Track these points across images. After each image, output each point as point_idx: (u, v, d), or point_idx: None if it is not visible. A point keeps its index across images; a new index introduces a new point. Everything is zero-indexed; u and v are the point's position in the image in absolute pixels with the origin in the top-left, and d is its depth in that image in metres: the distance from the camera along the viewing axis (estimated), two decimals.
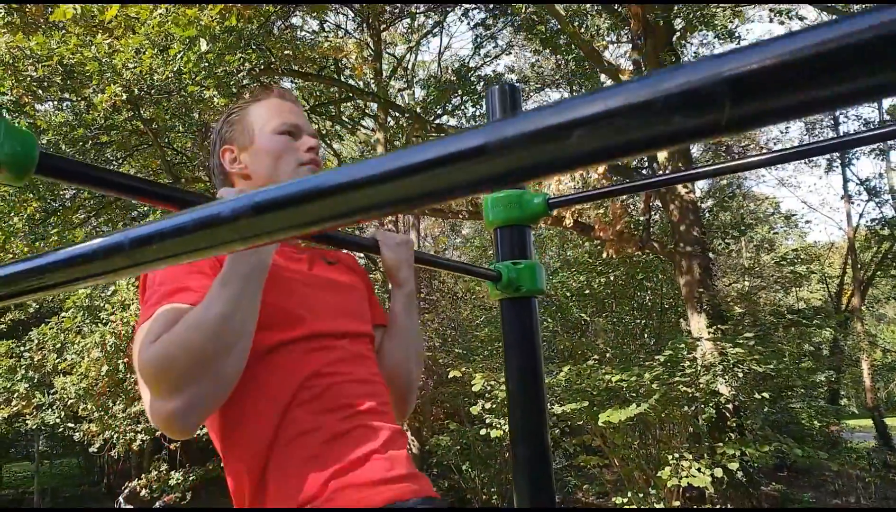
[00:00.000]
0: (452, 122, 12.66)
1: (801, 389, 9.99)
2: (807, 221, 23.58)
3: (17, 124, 0.59)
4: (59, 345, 7.70)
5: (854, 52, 0.19)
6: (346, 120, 12.48)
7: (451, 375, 8.10)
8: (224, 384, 0.92)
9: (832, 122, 18.44)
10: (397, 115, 11.46)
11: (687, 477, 6.41)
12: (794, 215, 19.09)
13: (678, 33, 9.18)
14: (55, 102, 7.78)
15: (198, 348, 0.88)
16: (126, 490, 8.13)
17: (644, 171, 8.63)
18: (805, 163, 18.69)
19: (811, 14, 18.00)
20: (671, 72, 0.22)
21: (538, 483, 1.31)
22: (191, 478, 11.34)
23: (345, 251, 1.46)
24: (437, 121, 11.79)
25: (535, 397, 1.33)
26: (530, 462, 1.30)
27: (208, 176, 1.30)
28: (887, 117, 16.33)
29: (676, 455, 6.76)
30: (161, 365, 0.89)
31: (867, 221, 15.93)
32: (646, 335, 11.39)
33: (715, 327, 7.26)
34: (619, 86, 0.22)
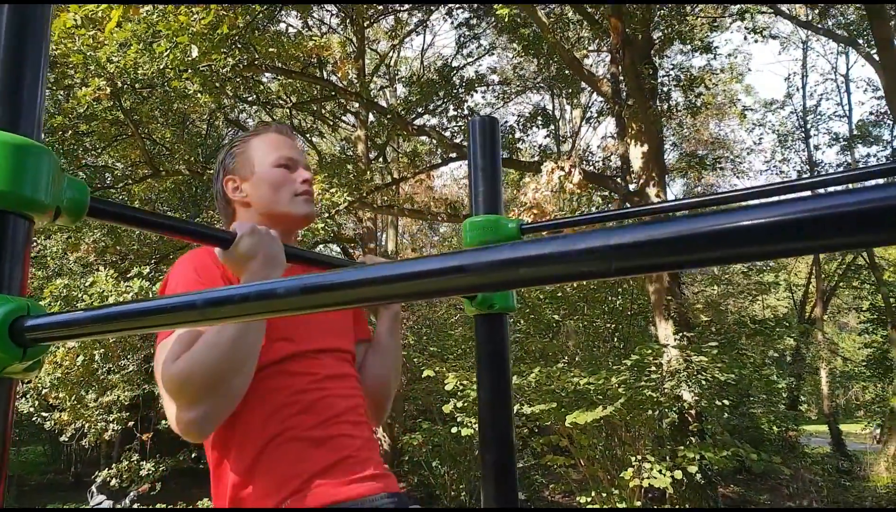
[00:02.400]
0: (433, 121, 12.74)
1: (763, 394, 10.30)
2: None
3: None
4: None
5: (685, 241, 0.33)
6: (328, 116, 12.51)
7: (424, 374, 8.22)
8: (235, 397, 1.06)
9: (804, 134, 18.98)
10: (378, 113, 11.52)
11: (648, 478, 6.62)
12: None
13: (656, 45, 9.41)
14: None
15: (213, 368, 1.02)
16: (98, 479, 8.12)
17: (618, 180, 8.83)
18: (777, 173, 19.16)
19: (787, 28, 18.43)
20: (583, 236, 0.35)
21: (504, 484, 1.44)
22: (161, 468, 11.32)
23: None
24: (419, 121, 11.87)
25: (503, 405, 1.46)
26: (496, 465, 1.44)
27: (214, 199, 1.43)
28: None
29: (639, 457, 6.97)
30: (182, 383, 1.03)
31: None
32: (615, 339, 11.62)
33: (681, 334, 7.48)
34: (555, 239, 0.36)
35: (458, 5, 11.63)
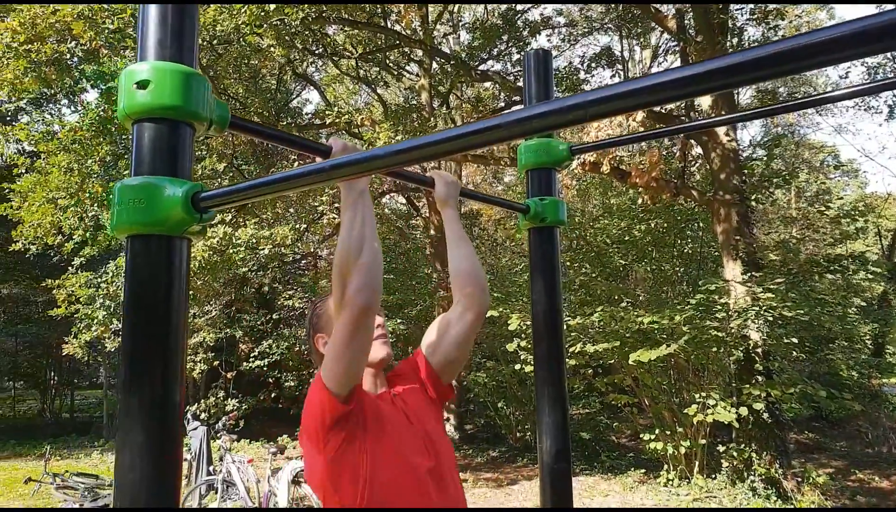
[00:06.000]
0: (497, 67, 12.67)
1: (845, 341, 9.98)
2: (857, 171, 22.51)
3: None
4: None
5: (637, 93, 0.53)
6: (392, 65, 12.65)
7: (488, 315, 8.49)
8: (367, 269, 1.40)
9: None
10: (442, 60, 11.57)
11: (713, 414, 6.71)
12: (843, 164, 18.40)
13: None
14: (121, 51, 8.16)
15: (343, 256, 1.40)
16: (188, 412, 8.97)
17: (683, 119, 8.64)
18: (865, 108, 17.96)
19: None
20: (568, 98, 0.55)
21: (553, 377, 1.66)
22: (244, 407, 12.25)
23: (396, 363, 1.93)
24: (482, 66, 11.85)
25: (554, 312, 1.67)
26: (547, 357, 1.66)
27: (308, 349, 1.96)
28: None
29: (703, 394, 7.05)
30: (336, 278, 1.42)
31: None
32: (684, 283, 11.51)
33: (749, 274, 7.41)
34: (554, 101, 0.56)
35: None
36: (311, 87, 15.22)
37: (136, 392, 0.80)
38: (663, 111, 8.37)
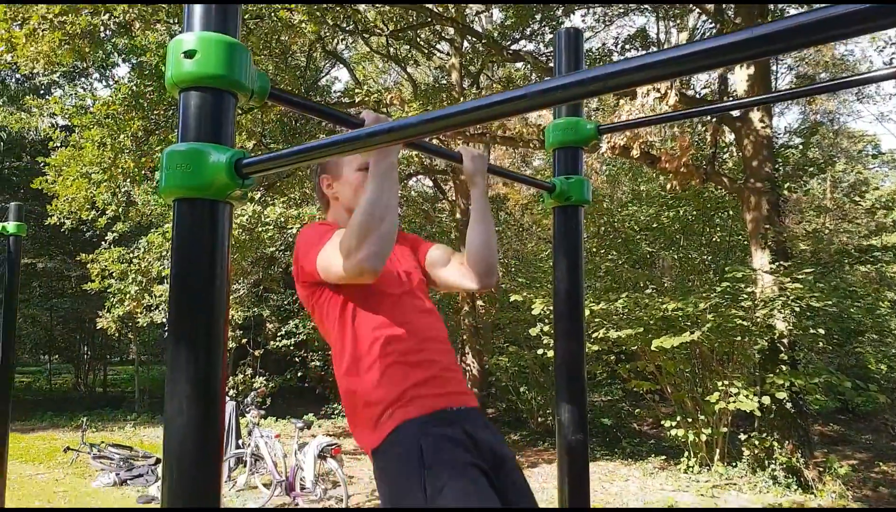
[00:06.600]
0: (530, 46, 12.53)
1: (875, 335, 9.81)
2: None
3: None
4: (162, 253, 8.58)
5: (627, 72, 0.56)
6: (423, 43, 12.59)
7: (511, 299, 8.51)
8: (385, 238, 1.44)
9: None
10: (473, 39, 11.49)
11: (735, 402, 6.67)
12: (883, 154, 17.89)
13: None
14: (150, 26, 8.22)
15: (366, 219, 1.41)
16: None
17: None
18: None
19: None
20: (578, 73, 0.59)
21: (572, 353, 1.69)
22: (271, 385, 12.49)
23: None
24: (514, 46, 11.73)
25: (574, 284, 1.71)
26: (567, 334, 1.69)
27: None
28: None
29: (726, 382, 7.01)
30: (359, 228, 1.42)
31: None
32: (711, 272, 11.36)
33: (777, 264, 7.31)
34: (565, 77, 0.60)
35: None
36: (341, 65, 15.24)
37: (184, 342, 0.86)
38: (697, 96, 8.24)
